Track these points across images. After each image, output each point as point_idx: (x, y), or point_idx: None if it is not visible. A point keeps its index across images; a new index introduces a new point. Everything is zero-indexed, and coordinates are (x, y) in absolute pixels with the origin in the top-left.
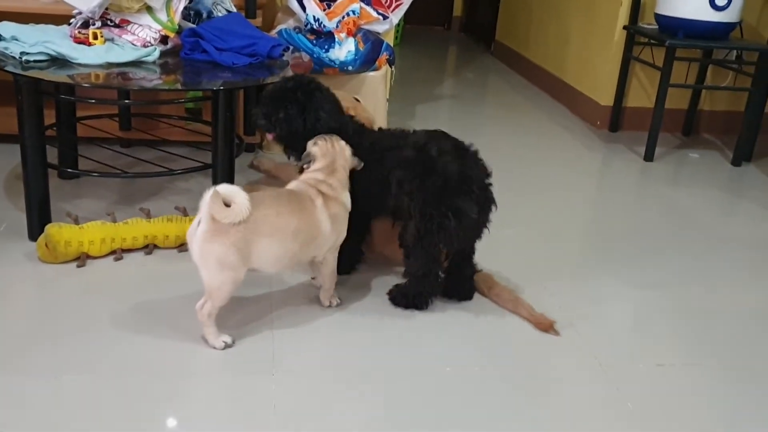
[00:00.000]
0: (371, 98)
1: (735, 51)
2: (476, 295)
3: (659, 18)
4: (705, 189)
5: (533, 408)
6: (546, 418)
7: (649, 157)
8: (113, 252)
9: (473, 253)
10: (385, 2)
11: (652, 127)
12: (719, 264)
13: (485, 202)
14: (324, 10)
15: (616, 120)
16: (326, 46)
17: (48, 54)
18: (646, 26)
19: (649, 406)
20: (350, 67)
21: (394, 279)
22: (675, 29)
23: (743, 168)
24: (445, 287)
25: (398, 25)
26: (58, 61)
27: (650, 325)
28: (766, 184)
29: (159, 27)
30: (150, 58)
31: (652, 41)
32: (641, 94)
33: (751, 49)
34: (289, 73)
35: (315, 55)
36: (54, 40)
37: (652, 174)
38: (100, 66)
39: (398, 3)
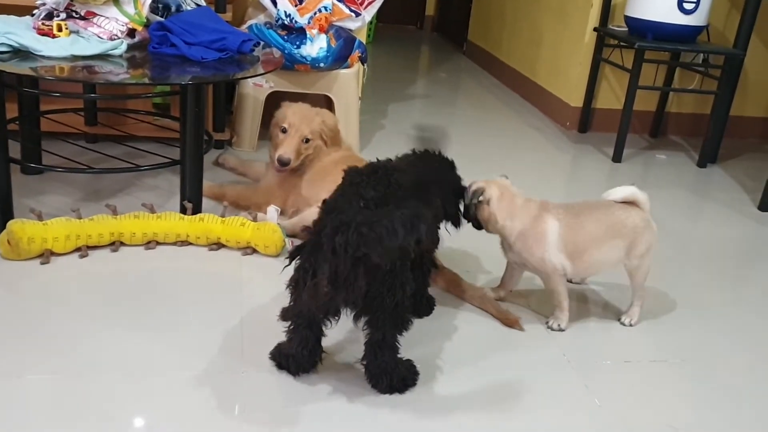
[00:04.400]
0: (343, 96)
1: (702, 54)
2: (442, 293)
3: (629, 20)
4: (671, 190)
5: (501, 405)
6: (514, 414)
7: (617, 158)
8: (78, 249)
9: (381, 340)
10: None
11: (620, 128)
12: (684, 263)
13: (344, 286)
14: (295, 5)
15: (585, 121)
16: (298, 42)
17: (10, 45)
18: (615, 28)
19: (617, 402)
20: (322, 64)
21: None
22: (644, 31)
23: (709, 169)
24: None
25: (371, 23)
26: (20, 53)
27: (617, 323)
28: (730, 185)
29: (126, 20)
30: (117, 52)
31: (621, 43)
32: (610, 96)
33: (717, 52)
34: (260, 69)
35: (286, 51)
36: (16, 31)
37: (620, 175)
38: (65, 59)
39: (371, 0)
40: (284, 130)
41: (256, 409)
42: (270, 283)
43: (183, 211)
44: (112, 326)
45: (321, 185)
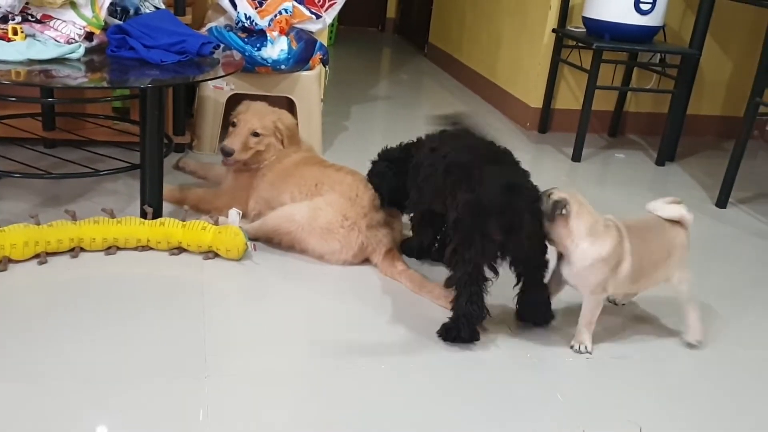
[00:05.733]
0: (305, 98)
1: (659, 54)
2: (408, 292)
3: (586, 21)
4: (630, 188)
5: (465, 401)
6: (477, 410)
7: (576, 157)
8: (37, 255)
9: (535, 278)
10: (318, 1)
11: (579, 128)
12: None
13: (513, 227)
14: (256, 8)
15: (545, 121)
16: (258, 45)
17: None
18: (574, 29)
19: (578, 397)
20: (283, 66)
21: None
22: (602, 32)
23: (667, 167)
24: (517, 310)
25: (332, 25)
26: None
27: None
28: (688, 183)
29: (83, 23)
30: (74, 55)
31: (579, 44)
32: (569, 96)
33: (673, 52)
34: (220, 72)
35: (247, 54)
36: None
37: (580, 174)
38: (21, 63)
39: (331, 2)
40: (234, 124)
41: (221, 413)
42: (232, 286)
43: (143, 215)
44: (71, 333)
45: (283, 187)
